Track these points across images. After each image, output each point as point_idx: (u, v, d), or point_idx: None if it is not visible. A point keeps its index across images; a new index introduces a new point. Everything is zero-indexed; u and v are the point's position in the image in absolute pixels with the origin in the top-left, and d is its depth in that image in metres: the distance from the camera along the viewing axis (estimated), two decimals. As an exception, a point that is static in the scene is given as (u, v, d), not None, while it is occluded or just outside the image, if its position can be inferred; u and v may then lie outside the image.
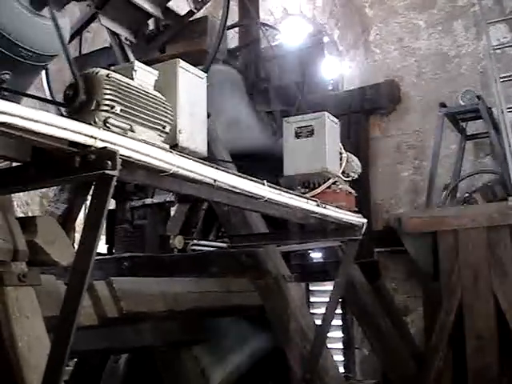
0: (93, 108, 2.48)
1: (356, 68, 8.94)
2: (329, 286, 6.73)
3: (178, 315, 4.88)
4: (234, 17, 7.58)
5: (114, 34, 5.22)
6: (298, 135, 4.32)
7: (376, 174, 8.19)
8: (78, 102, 2.49)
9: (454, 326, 5.93)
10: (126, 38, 5.29)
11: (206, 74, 3.30)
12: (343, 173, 4.61)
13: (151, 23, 5.61)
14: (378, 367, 7.34)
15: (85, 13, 5.49)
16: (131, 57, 5.15)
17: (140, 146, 2.52)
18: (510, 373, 5.85)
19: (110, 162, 2.28)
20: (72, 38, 5.48)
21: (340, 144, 4.61)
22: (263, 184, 3.41)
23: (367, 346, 7.64)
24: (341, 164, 4.56)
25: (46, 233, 3.00)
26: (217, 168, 3.01)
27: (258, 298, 5.19)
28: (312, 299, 8.63)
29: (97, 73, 2.55)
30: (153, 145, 2.61)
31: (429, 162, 7.36)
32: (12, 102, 2.08)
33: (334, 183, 4.48)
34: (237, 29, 7.99)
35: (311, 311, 7.83)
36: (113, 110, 2.51)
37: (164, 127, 2.82)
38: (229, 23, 6.19)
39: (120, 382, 5.88)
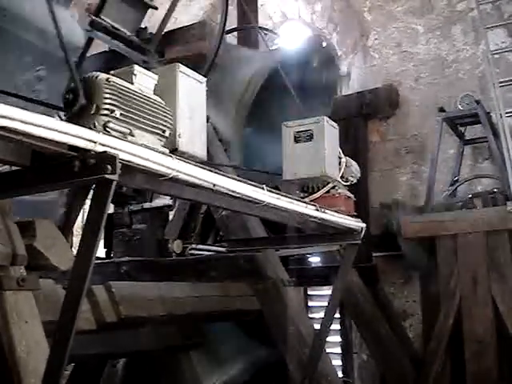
0: (92, 112, 2.49)
1: (355, 72, 8.95)
2: (327, 291, 6.74)
3: (177, 319, 4.87)
4: (232, 21, 7.59)
5: (116, 35, 5.20)
6: (296, 139, 4.31)
7: (375, 178, 8.19)
8: (78, 106, 2.49)
9: (452, 331, 5.93)
10: (124, 42, 5.29)
11: (205, 79, 3.30)
12: (342, 177, 4.60)
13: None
14: (376, 372, 7.35)
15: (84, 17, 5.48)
16: (146, 46, 5.11)
17: (140, 150, 2.51)
18: (509, 377, 5.85)
19: (109, 167, 2.28)
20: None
21: (339, 148, 4.61)
22: (262, 188, 3.41)
23: (366, 350, 7.64)
24: (340, 168, 4.56)
25: (44, 237, 2.99)
26: (216, 172, 3.01)
27: (256, 302, 5.18)
28: (310, 304, 8.62)
29: (96, 77, 2.55)
30: (152, 149, 2.61)
31: (427, 167, 7.37)
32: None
33: (332, 188, 4.48)
34: (235, 33, 7.99)
35: (310, 316, 7.83)
36: (112, 115, 2.51)
37: (164, 131, 2.82)
38: (227, 28, 6.20)
39: (118, 387, 5.87)
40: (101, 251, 6.25)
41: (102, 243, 6.23)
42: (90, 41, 5.10)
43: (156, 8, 5.36)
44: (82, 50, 5.28)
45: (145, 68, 2.90)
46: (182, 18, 6.29)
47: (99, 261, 5.67)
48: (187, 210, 6.60)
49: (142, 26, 5.45)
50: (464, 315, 5.91)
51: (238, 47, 6.70)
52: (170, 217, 6.64)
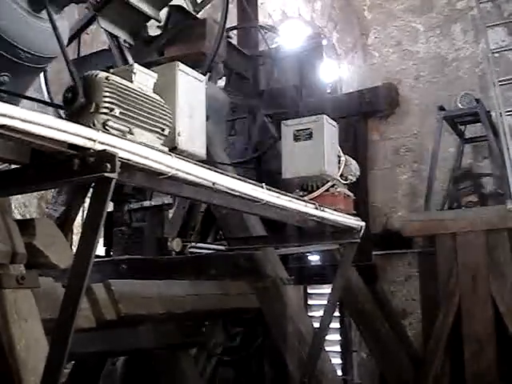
0: (92, 110, 2.49)
1: (354, 71, 8.95)
2: (327, 289, 6.74)
3: (176, 318, 4.87)
4: (232, 20, 7.59)
5: (112, 36, 5.22)
6: (296, 138, 4.32)
7: (374, 177, 8.19)
8: (77, 104, 2.49)
9: (452, 330, 5.93)
10: (124, 41, 5.29)
11: (205, 77, 3.30)
12: (341, 176, 4.61)
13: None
14: (375, 370, 7.35)
15: (84, 15, 5.49)
16: (130, 59, 5.15)
17: (139, 148, 2.51)
18: (509, 376, 5.85)
19: (109, 165, 2.28)
20: (71, 40, 5.48)
21: (338, 147, 4.61)
22: (262, 187, 3.41)
23: (365, 348, 7.64)
24: (339, 167, 4.56)
25: (44, 235, 2.99)
26: (215, 171, 3.01)
27: (255, 300, 5.18)
28: (310, 302, 8.63)
29: (96, 75, 2.55)
30: (152, 147, 2.61)
31: (427, 165, 7.36)
32: (11, 104, 2.08)
33: (332, 186, 4.48)
34: (236, 31, 8.00)
35: (309, 314, 7.84)
36: (112, 113, 2.51)
37: (163, 130, 2.82)
38: (227, 26, 6.20)
39: (118, 385, 5.88)
40: (100, 249, 6.25)
41: (101, 241, 6.23)
42: (91, 18, 5.11)
43: (160, 21, 5.36)
44: (82, 24, 5.31)
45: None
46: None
47: (99, 259, 5.67)
48: (187, 209, 6.61)
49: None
50: (463, 314, 5.90)
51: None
52: (170, 215, 6.65)
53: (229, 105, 6.57)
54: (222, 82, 7.01)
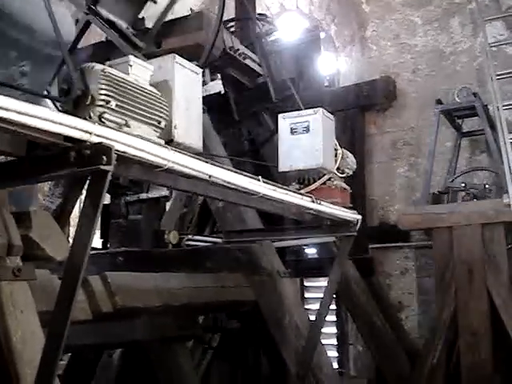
0: (88, 103, 2.48)
1: (352, 64, 8.94)
2: (323, 282, 6.74)
3: (173, 310, 4.88)
4: (230, 12, 7.56)
5: (112, 25, 5.18)
6: (293, 131, 4.32)
7: (371, 170, 8.20)
8: (74, 96, 2.48)
9: (447, 323, 5.94)
10: (127, 28, 5.26)
11: (201, 70, 3.29)
12: (338, 169, 4.61)
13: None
14: (371, 363, 7.37)
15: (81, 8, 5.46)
16: (139, 43, 5.10)
17: (135, 141, 2.51)
18: (504, 369, 5.87)
19: (105, 157, 2.28)
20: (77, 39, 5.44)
21: (335, 140, 4.61)
22: (258, 180, 3.42)
23: (361, 342, 7.66)
24: (336, 160, 4.57)
25: (40, 227, 2.99)
26: (212, 163, 3.01)
27: (252, 293, 5.19)
28: (307, 295, 8.64)
29: (92, 67, 2.54)
30: (148, 140, 2.61)
31: (424, 159, 7.37)
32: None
33: (329, 179, 4.49)
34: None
35: (306, 307, 7.85)
36: (108, 105, 2.51)
37: (159, 122, 2.82)
38: (225, 18, 6.19)
39: (114, 377, 5.88)
40: (97, 242, 6.25)
41: (98, 234, 6.23)
42: (86, 24, 5.08)
43: (155, 1, 5.34)
44: (76, 35, 5.26)
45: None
46: (179, 9, 6.25)
47: (95, 251, 5.67)
48: (184, 201, 6.61)
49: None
50: (459, 307, 5.92)
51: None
52: (167, 208, 6.65)
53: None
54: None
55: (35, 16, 2.83)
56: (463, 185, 6.67)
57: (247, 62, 6.73)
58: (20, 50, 2.83)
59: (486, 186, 6.51)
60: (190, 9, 5.57)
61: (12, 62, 2.83)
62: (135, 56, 2.84)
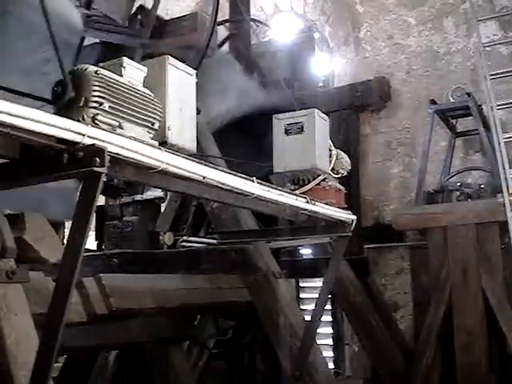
0: (81, 105, 2.47)
1: (346, 65, 8.95)
2: (319, 283, 6.75)
3: (168, 312, 4.88)
4: (224, 13, 7.57)
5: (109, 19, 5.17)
6: (287, 132, 4.32)
7: (366, 170, 8.21)
8: (66, 98, 2.48)
9: (442, 322, 5.96)
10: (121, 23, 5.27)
11: (195, 71, 3.29)
12: (333, 170, 4.61)
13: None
14: (367, 363, 7.38)
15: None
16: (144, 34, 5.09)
17: (129, 142, 2.51)
18: (499, 369, 5.89)
19: (98, 159, 2.28)
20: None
21: (330, 141, 4.61)
22: (252, 181, 3.42)
23: (357, 342, 7.67)
24: (330, 161, 4.57)
25: (34, 230, 2.99)
26: (206, 165, 3.01)
27: (247, 294, 5.19)
28: (302, 295, 8.65)
29: (85, 69, 2.54)
30: (141, 142, 2.61)
31: (419, 159, 7.38)
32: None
33: (323, 180, 4.48)
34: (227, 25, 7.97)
35: (301, 307, 7.86)
36: (101, 107, 2.50)
37: (153, 124, 2.81)
38: (219, 19, 6.19)
39: (109, 379, 5.88)
40: (92, 243, 6.24)
41: (93, 235, 6.23)
42: (82, 40, 5.08)
43: None
44: (77, 49, 5.26)
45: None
46: (173, 10, 6.26)
47: (90, 253, 5.67)
48: (179, 202, 6.61)
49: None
50: (454, 307, 5.93)
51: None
52: (162, 209, 6.64)
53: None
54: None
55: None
56: (458, 184, 6.68)
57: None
58: (40, 35, 2.80)
59: (482, 185, 6.52)
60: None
61: (35, 47, 2.80)
62: (129, 58, 2.83)
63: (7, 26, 3.07)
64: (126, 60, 2.80)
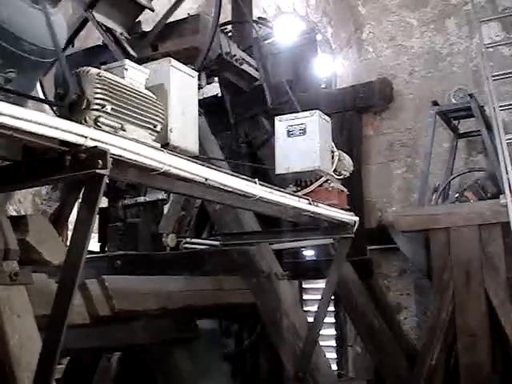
0: (84, 107, 2.48)
1: (349, 66, 8.94)
2: (322, 284, 6.75)
3: (171, 313, 4.88)
4: (226, 15, 7.58)
5: (108, 30, 5.21)
6: (290, 133, 4.32)
7: (369, 171, 8.20)
8: (69, 100, 2.49)
9: (445, 324, 5.95)
10: (121, 34, 5.29)
11: (197, 73, 3.30)
12: (335, 171, 4.61)
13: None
14: (370, 365, 7.36)
15: (78, 11, 5.48)
16: (131, 51, 5.13)
17: (131, 144, 2.52)
18: (502, 370, 5.88)
19: (100, 161, 2.29)
20: (73, 37, 5.47)
21: (332, 142, 4.62)
22: (255, 182, 3.42)
23: (360, 343, 7.66)
24: (333, 162, 4.57)
25: (37, 232, 2.99)
26: (208, 166, 3.01)
27: (250, 296, 5.19)
28: (305, 297, 8.63)
29: (88, 71, 2.55)
30: (144, 144, 2.62)
31: (421, 160, 7.37)
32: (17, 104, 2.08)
33: (325, 181, 4.49)
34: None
35: (304, 309, 7.85)
36: (104, 109, 2.51)
37: (155, 126, 2.82)
38: (221, 21, 6.19)
39: (112, 381, 5.88)
40: (95, 245, 6.25)
41: (96, 237, 6.23)
42: (84, 21, 5.10)
43: (152, 10, 5.35)
44: (75, 30, 5.28)
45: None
46: (175, 12, 6.26)
47: (93, 255, 5.68)
48: (182, 204, 6.62)
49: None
50: (457, 308, 5.92)
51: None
52: (165, 211, 6.65)
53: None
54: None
55: (23, 25, 2.85)
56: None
57: (244, 66, 6.74)
58: (6, 57, 2.85)
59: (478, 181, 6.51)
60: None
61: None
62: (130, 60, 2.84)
63: None
64: (128, 62, 2.81)
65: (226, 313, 5.96)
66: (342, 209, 4.60)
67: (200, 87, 5.20)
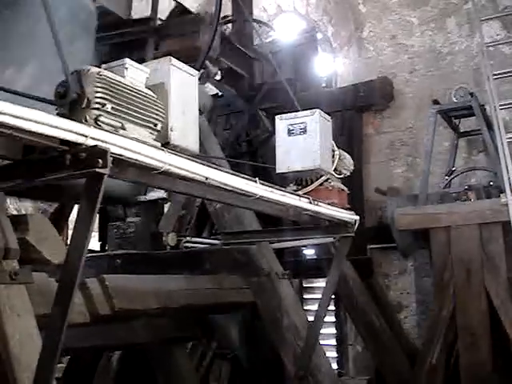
0: (84, 106, 2.47)
1: (349, 65, 8.95)
2: (322, 283, 6.75)
3: (171, 312, 4.87)
4: (227, 14, 7.57)
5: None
6: (290, 132, 4.31)
7: (369, 170, 8.20)
8: (69, 99, 2.48)
9: (446, 323, 5.95)
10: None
11: (198, 72, 3.29)
12: (335, 170, 4.60)
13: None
14: (371, 364, 7.37)
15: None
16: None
17: (131, 143, 2.51)
18: (502, 369, 5.88)
19: (100, 160, 2.28)
20: None
21: (332, 141, 4.61)
22: (255, 181, 3.42)
23: (360, 342, 7.67)
24: (333, 161, 4.56)
25: (37, 231, 2.99)
26: (208, 165, 3.01)
27: (250, 295, 5.19)
28: (305, 296, 8.64)
29: (88, 70, 2.54)
30: (144, 143, 2.61)
31: (422, 159, 7.37)
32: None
33: (326, 180, 4.48)
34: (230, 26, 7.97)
35: (304, 308, 7.85)
36: (104, 108, 2.50)
37: (155, 125, 2.82)
38: (221, 20, 6.19)
39: (113, 379, 5.88)
40: (95, 244, 6.25)
41: (96, 236, 6.23)
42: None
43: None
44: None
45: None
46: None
47: (93, 254, 5.67)
48: (182, 203, 6.61)
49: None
50: (458, 307, 5.92)
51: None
52: (165, 209, 6.65)
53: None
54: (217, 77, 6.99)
55: None
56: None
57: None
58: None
59: (491, 183, 6.50)
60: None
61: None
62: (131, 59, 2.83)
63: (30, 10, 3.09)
64: (128, 61, 2.80)
65: (227, 312, 5.95)
66: (342, 208, 4.59)
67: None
